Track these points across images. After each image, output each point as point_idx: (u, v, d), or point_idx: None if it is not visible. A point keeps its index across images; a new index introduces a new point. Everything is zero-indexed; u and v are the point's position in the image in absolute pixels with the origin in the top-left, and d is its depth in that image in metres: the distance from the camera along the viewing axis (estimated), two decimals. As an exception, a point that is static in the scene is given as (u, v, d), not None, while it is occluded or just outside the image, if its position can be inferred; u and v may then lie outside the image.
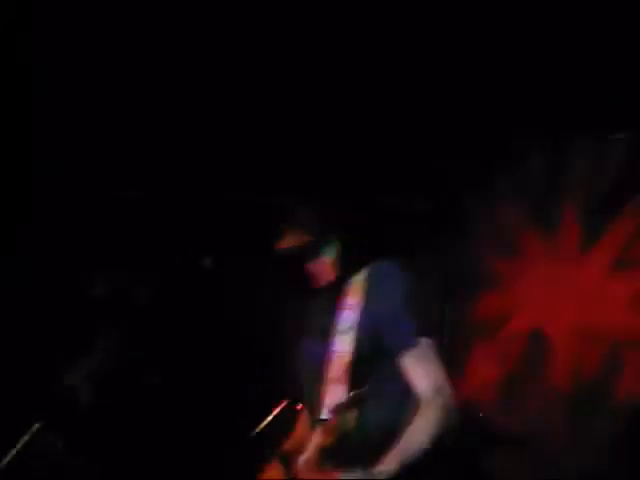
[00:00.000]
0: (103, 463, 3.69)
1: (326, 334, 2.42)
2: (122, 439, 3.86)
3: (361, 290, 2.43)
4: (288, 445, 2.48)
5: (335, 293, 2.48)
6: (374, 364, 2.40)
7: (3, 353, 4.10)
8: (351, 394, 2.23)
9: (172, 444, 3.91)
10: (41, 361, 4.32)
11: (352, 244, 2.55)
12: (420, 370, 2.39)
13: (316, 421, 2.36)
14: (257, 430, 2.72)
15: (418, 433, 2.34)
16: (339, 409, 2.21)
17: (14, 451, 2.66)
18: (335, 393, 2.33)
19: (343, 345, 2.38)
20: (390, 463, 2.29)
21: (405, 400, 2.40)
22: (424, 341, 2.41)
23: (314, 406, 2.42)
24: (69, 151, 4.33)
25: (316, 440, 2.30)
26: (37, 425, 2.67)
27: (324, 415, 2.32)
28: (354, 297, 2.43)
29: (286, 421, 2.60)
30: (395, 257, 2.51)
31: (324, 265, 2.54)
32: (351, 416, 2.20)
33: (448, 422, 2.39)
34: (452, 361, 4.68)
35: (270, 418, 2.73)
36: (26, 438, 2.65)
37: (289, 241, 2.49)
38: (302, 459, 2.34)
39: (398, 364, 2.41)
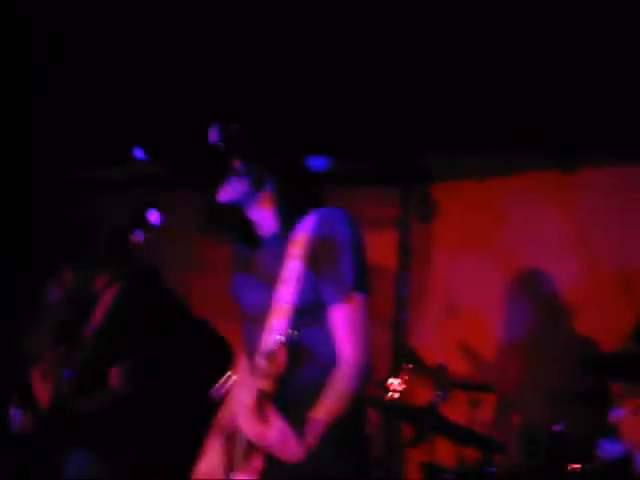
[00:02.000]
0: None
1: (271, 283, 2.43)
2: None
3: (307, 238, 2.42)
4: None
5: (281, 242, 2.48)
6: (315, 316, 2.42)
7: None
8: (278, 337, 2.27)
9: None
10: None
11: (293, 192, 2.54)
12: (345, 327, 2.39)
13: (253, 368, 2.40)
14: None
15: (337, 396, 2.37)
16: (268, 354, 2.26)
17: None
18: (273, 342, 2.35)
19: (286, 295, 2.39)
20: (316, 432, 2.33)
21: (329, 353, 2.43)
22: (357, 296, 2.41)
23: (253, 354, 2.45)
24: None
25: (254, 386, 2.31)
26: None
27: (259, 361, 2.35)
28: (300, 246, 2.42)
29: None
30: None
31: (266, 213, 2.55)
32: (280, 360, 2.25)
33: (366, 380, 2.42)
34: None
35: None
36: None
37: (229, 192, 2.50)
38: (242, 405, 2.36)
39: (329, 317, 2.41)
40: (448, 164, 5.04)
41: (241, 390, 2.42)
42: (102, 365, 3.77)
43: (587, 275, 4.68)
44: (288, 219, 2.50)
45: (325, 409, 2.36)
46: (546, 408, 4.33)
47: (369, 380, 2.47)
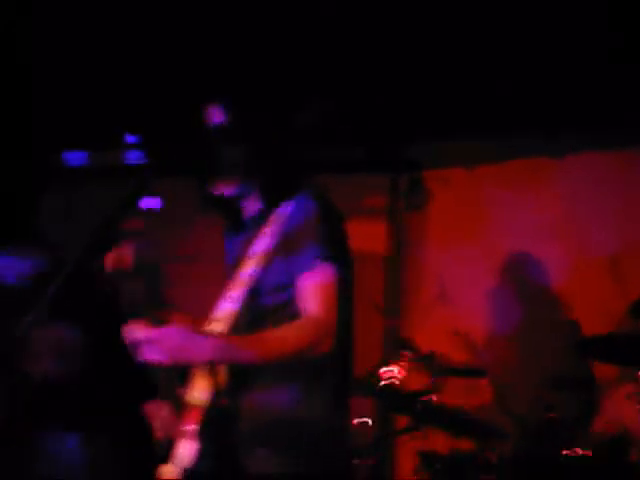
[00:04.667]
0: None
1: (241, 259, 2.43)
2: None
3: (280, 220, 2.42)
4: None
5: (257, 222, 2.48)
6: (282, 297, 2.39)
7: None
8: None
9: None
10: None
11: (276, 179, 2.53)
12: (312, 292, 2.33)
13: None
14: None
15: (285, 335, 2.27)
16: None
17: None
18: (224, 310, 2.35)
19: (246, 269, 2.37)
20: (238, 341, 2.25)
21: None
22: (326, 267, 2.34)
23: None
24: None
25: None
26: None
27: (206, 325, 2.34)
28: (271, 227, 2.42)
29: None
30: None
31: (251, 201, 2.55)
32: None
33: (321, 346, 2.28)
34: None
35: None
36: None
37: (222, 187, 2.49)
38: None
39: (296, 289, 2.36)
40: (438, 151, 5.04)
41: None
42: None
43: (577, 260, 4.70)
44: (269, 203, 2.49)
45: (264, 336, 2.28)
46: (538, 393, 4.34)
47: (325, 346, 2.29)
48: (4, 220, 4.89)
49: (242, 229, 2.56)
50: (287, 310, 2.38)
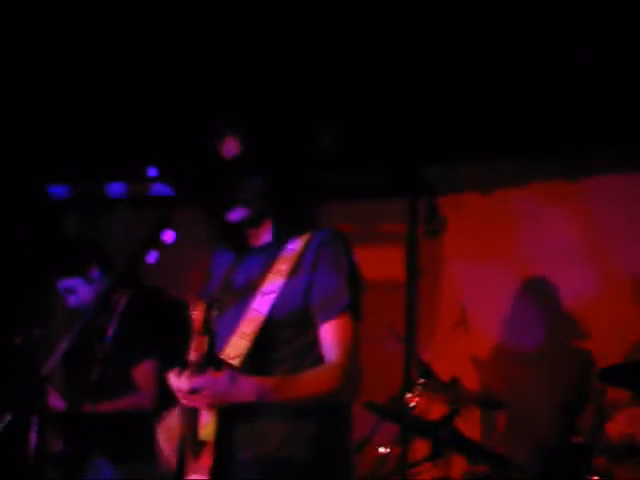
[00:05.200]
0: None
1: (251, 292, 2.42)
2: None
3: (297, 257, 2.42)
4: None
5: (268, 255, 2.48)
6: (290, 333, 2.39)
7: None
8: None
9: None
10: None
11: (291, 213, 2.52)
12: (334, 340, 2.35)
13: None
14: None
15: (309, 379, 2.32)
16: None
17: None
18: (237, 347, 2.34)
19: (261, 306, 2.37)
20: (273, 381, 2.28)
21: None
22: (350, 317, 2.38)
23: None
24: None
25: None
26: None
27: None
28: (286, 263, 2.42)
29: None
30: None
31: (262, 229, 2.54)
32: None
33: (347, 390, 2.35)
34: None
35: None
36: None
37: (236, 213, 2.48)
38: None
39: (316, 335, 2.38)
40: (453, 176, 5.03)
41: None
42: (122, 370, 3.81)
43: (596, 283, 4.65)
44: (282, 235, 2.49)
45: (292, 378, 2.32)
46: (559, 418, 4.30)
47: (350, 395, 2.38)
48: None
49: (245, 255, 2.55)
50: (296, 344, 2.39)
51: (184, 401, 2.26)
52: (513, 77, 4.20)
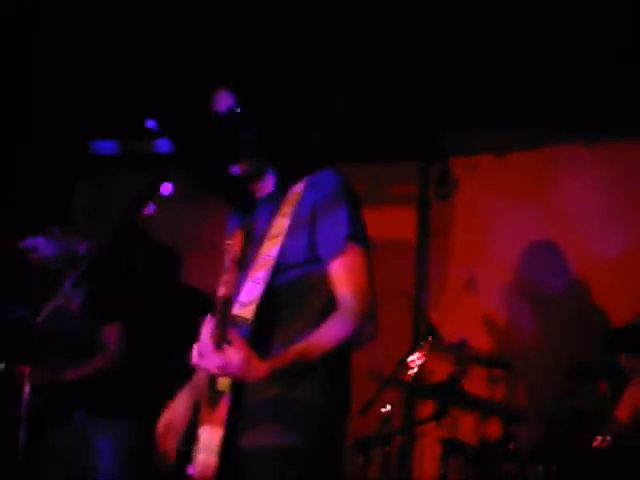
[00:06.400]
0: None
1: (260, 240, 2.44)
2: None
3: (298, 198, 2.44)
4: None
5: (274, 202, 2.49)
6: (297, 272, 2.40)
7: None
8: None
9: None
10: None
11: (290, 161, 2.54)
12: (344, 276, 2.35)
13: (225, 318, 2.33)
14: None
15: (326, 333, 2.31)
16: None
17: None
18: (251, 292, 2.36)
19: (269, 249, 2.39)
20: (287, 355, 2.27)
21: (326, 311, 2.38)
22: (357, 247, 2.38)
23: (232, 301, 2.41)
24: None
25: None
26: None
27: (236, 310, 2.35)
28: (290, 204, 2.43)
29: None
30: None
31: (265, 180, 2.56)
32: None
33: (365, 329, 2.33)
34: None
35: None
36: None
37: (237, 167, 2.50)
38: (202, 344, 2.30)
39: (326, 271, 2.39)
40: (466, 139, 5.01)
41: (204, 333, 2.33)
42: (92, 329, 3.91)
43: (612, 248, 4.64)
44: (284, 180, 2.50)
45: (307, 342, 2.30)
46: (563, 382, 4.32)
47: (370, 331, 2.35)
48: (39, 206, 4.97)
49: (253, 209, 2.56)
50: (299, 286, 2.40)
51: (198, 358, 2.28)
52: (530, 40, 4.16)
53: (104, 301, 3.92)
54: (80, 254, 3.94)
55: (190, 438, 2.39)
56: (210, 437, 2.32)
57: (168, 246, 4.12)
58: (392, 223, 4.90)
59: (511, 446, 3.87)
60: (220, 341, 2.24)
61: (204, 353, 2.25)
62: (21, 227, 4.04)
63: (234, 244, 2.37)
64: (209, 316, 2.28)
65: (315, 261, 2.40)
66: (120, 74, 4.53)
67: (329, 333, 2.32)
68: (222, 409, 2.33)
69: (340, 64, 4.31)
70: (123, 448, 3.90)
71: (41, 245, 3.96)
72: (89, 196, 5.44)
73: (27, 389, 3.01)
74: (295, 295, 2.40)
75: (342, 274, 2.37)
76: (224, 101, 2.50)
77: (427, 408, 4.48)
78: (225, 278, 2.31)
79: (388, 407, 4.12)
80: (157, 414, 2.57)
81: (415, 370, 4.06)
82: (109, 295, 3.93)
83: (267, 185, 2.55)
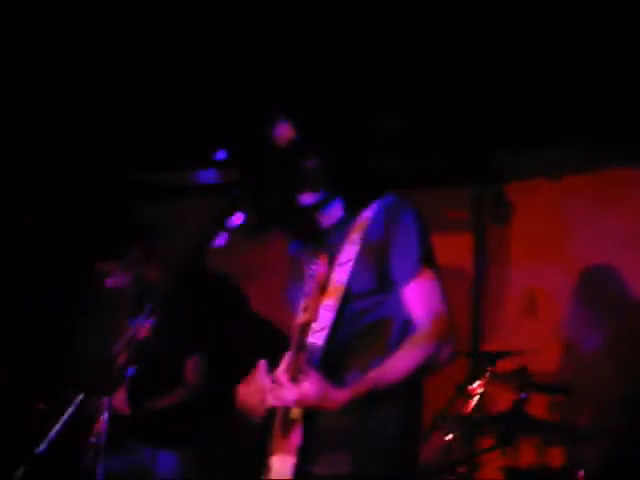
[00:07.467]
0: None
1: (331, 265, 2.44)
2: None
3: (367, 224, 2.46)
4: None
5: (342, 228, 2.51)
6: (369, 301, 2.41)
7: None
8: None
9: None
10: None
11: (357, 188, 2.55)
12: (420, 300, 2.36)
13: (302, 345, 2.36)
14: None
15: (403, 358, 2.31)
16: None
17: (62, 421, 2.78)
18: (323, 319, 2.37)
19: (340, 276, 2.41)
20: (364, 383, 2.28)
21: (401, 337, 2.39)
22: (430, 271, 2.39)
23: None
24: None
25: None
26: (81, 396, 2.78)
27: (309, 336, 2.36)
28: (359, 231, 2.45)
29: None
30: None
31: (332, 208, 2.56)
32: None
33: (443, 352, 2.34)
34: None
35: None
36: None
37: (307, 198, 2.51)
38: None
39: (400, 295, 2.40)
40: (521, 162, 4.97)
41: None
42: (171, 361, 3.88)
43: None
44: (352, 207, 2.52)
45: (384, 367, 2.30)
46: (625, 410, 4.24)
47: (448, 353, 2.35)
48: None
49: (320, 239, 2.57)
50: (373, 313, 2.41)
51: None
52: (586, 61, 4.13)
53: (184, 333, 3.87)
54: (152, 281, 3.94)
55: (262, 467, 2.39)
56: (282, 466, 2.33)
57: (227, 274, 4.11)
58: (448, 249, 4.85)
59: (581, 473, 3.79)
60: (295, 374, 2.26)
61: (280, 386, 2.27)
62: (101, 249, 4.02)
63: (319, 270, 2.38)
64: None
65: (386, 289, 2.41)
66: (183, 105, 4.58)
67: (406, 357, 2.32)
68: (295, 437, 2.33)
69: (392, 87, 4.32)
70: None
71: (117, 270, 3.97)
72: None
73: (105, 418, 3.02)
74: (368, 322, 2.41)
75: (418, 297, 2.38)
76: (285, 132, 2.52)
77: (488, 436, 4.42)
78: (306, 304, 2.33)
79: (450, 435, 4.07)
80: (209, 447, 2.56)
81: (476, 399, 4.01)
82: (189, 327, 3.88)
83: (334, 213, 2.56)
